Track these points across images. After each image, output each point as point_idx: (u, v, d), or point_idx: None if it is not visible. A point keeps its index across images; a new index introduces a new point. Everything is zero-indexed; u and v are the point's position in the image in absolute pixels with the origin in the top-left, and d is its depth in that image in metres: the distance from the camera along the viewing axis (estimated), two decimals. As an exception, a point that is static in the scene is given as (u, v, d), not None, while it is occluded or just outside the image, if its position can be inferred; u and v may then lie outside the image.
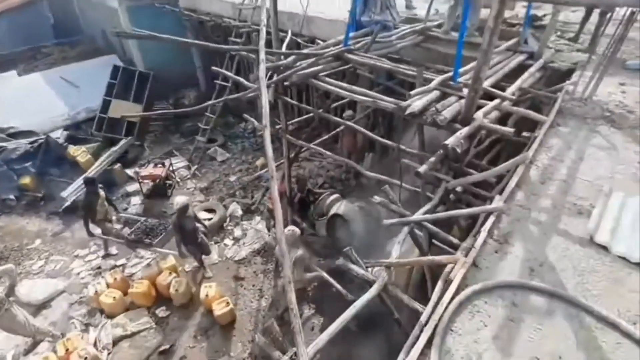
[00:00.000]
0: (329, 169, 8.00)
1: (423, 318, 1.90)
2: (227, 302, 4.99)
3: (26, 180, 7.41)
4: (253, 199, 7.31)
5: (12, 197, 7.32)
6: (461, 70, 3.68)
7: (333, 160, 7.03)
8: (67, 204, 6.99)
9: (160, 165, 7.54)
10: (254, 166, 8.37)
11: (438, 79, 3.51)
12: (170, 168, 7.68)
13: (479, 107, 3.31)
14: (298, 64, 4.15)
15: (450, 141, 2.70)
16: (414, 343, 1.74)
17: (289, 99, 4.96)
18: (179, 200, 4.98)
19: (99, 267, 5.90)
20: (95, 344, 4.72)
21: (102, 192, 5.65)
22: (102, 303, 4.99)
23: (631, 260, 2.14)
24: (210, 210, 6.90)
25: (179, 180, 7.86)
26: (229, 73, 5.43)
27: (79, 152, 7.95)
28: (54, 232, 6.73)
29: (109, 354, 4.65)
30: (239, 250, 6.21)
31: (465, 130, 2.87)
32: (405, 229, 2.68)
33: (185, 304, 5.27)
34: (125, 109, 8.63)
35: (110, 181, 7.65)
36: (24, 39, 12.20)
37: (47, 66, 10.44)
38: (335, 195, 6.05)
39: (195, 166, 8.33)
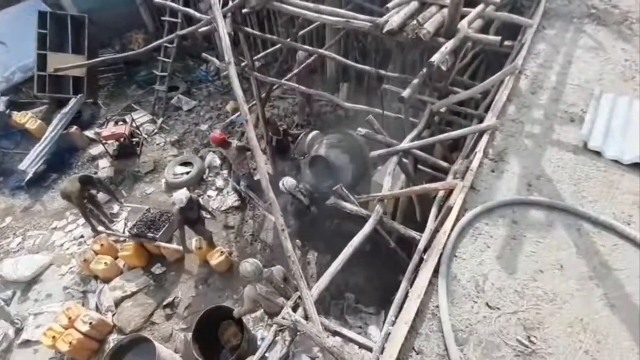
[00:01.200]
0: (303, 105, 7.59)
1: (421, 245, 1.87)
2: (222, 252, 5.01)
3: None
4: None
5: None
6: (441, -27, 3.24)
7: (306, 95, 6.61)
8: (28, 176, 6.45)
9: (121, 123, 6.90)
10: (225, 111, 7.84)
11: (417, -15, 3.07)
12: (133, 124, 7.07)
13: (462, 17, 2.98)
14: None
15: (435, 58, 2.43)
16: (414, 269, 1.72)
17: (250, 30, 4.36)
18: (180, 196, 4.40)
19: (82, 236, 5.70)
20: (97, 308, 4.75)
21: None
22: (95, 270, 4.91)
23: (623, 162, 2.13)
24: (186, 164, 6.57)
25: (145, 136, 7.30)
26: (173, 4, 4.68)
27: (26, 119, 7.11)
28: (23, 207, 6.31)
29: (113, 314, 4.72)
30: (224, 199, 6.09)
31: (450, 44, 2.59)
32: (394, 159, 2.55)
33: (179, 258, 5.27)
34: (64, 61, 7.50)
35: (70, 146, 7.06)
36: None
37: (-44, 19, 8.75)
38: (314, 132, 5.81)
39: (161, 119, 7.70)
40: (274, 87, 5.00)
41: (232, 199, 6.03)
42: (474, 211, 1.82)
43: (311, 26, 5.02)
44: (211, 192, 6.25)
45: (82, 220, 5.88)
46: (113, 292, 4.86)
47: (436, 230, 1.77)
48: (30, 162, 6.52)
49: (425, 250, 1.71)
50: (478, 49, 3.67)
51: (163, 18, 7.49)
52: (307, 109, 6.86)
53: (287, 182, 4.37)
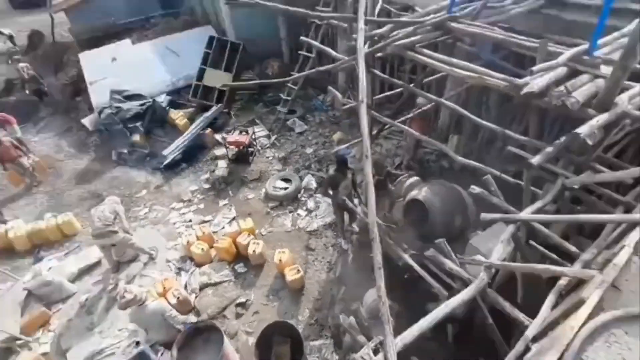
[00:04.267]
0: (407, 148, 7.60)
1: (529, 332, 1.66)
2: (298, 270, 5.22)
3: (136, 137, 8.53)
4: (328, 172, 7.35)
5: (125, 151, 8.53)
6: (600, 41, 3.00)
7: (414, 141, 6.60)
8: (167, 161, 7.91)
9: (244, 133, 7.98)
10: (330, 140, 8.37)
11: (569, 52, 2.90)
12: (253, 136, 8.09)
13: (622, 91, 2.67)
14: (394, 33, 3.84)
15: (582, 130, 2.22)
16: (518, 359, 1.53)
17: (379, 72, 4.67)
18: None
19: (190, 221, 6.63)
20: (185, 287, 5.39)
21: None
22: (193, 252, 5.63)
23: None
24: (286, 180, 7.16)
25: (259, 148, 8.26)
26: (316, 43, 5.35)
27: (177, 116, 8.83)
28: (156, 185, 7.70)
29: (196, 297, 5.28)
30: (311, 221, 6.38)
31: (603, 118, 2.33)
32: (511, 228, 2.35)
33: (260, 264, 5.67)
34: (217, 77, 9.21)
35: (201, 144, 8.43)
36: (137, 11, 13.60)
37: (155, 35, 11.56)
38: (415, 178, 5.73)
39: (275, 136, 8.64)
40: (386, 126, 5.17)
41: (318, 222, 6.29)
42: (613, 313, 1.53)
43: (436, 75, 5.11)
44: (301, 212, 6.63)
45: (194, 207, 6.89)
46: (201, 276, 5.46)
47: (555, 322, 1.55)
48: (172, 150, 8.00)
49: (534, 339, 1.51)
50: (633, 128, 3.20)
51: (300, 52, 8.56)
52: (412, 154, 6.83)
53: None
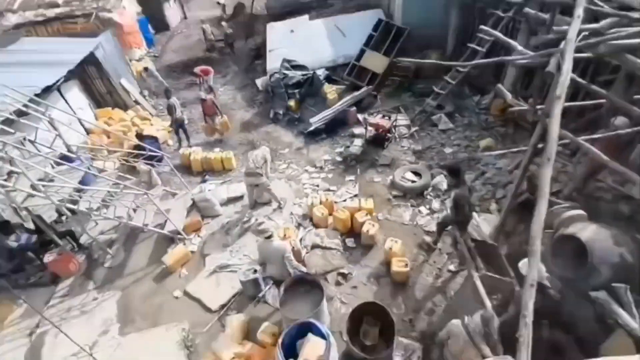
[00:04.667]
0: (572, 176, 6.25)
1: None
2: (406, 264, 5.09)
3: (292, 102, 9.61)
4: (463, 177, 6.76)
5: (280, 112, 9.75)
6: None
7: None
8: (311, 128, 8.69)
9: (386, 118, 8.01)
10: (475, 145, 7.60)
11: None
12: (394, 123, 8.04)
13: None
14: (613, 31, 3.10)
15: None
16: None
17: (577, 77, 3.89)
18: None
19: (317, 186, 7.20)
20: (300, 241, 5.96)
21: None
22: (314, 214, 6.14)
23: None
24: (416, 173, 6.92)
25: (397, 136, 8.17)
26: (497, 33, 4.79)
27: (330, 90, 9.50)
28: (297, 147, 8.60)
29: (306, 252, 5.79)
30: (431, 222, 6.05)
31: None
32: None
33: (369, 245, 5.76)
34: (375, 59, 9.42)
35: (343, 120, 8.89)
36: (318, -9, 14.90)
37: (329, 14, 12.53)
38: (577, 212, 4.69)
39: (416, 127, 8.37)
40: (563, 141, 4.34)
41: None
42: None
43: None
44: (423, 209, 6.35)
45: (323, 175, 7.44)
46: (315, 237, 5.93)
47: None
48: (317, 120, 8.71)
49: None
50: None
51: (470, 44, 7.89)
52: (581, 184, 5.59)
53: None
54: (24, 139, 5.61)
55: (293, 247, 5.49)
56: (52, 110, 6.76)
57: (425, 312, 4.76)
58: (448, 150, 7.64)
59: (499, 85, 4.67)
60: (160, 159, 7.73)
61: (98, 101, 9.92)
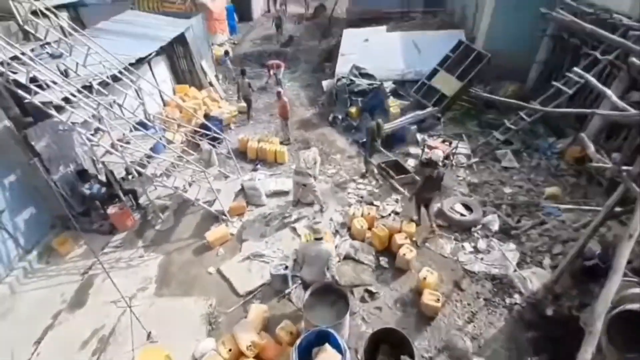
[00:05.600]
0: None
1: None
2: (438, 298, 4.88)
3: (353, 109, 9.65)
4: (518, 223, 6.31)
5: (340, 117, 9.84)
6: None
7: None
8: (364, 139, 8.64)
9: (446, 143, 7.73)
10: (539, 191, 7.05)
11: None
12: (454, 150, 7.73)
13: None
14: None
15: None
16: None
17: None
18: None
19: (362, 197, 7.17)
20: (335, 248, 5.98)
21: None
22: (353, 225, 6.13)
23: None
24: (467, 207, 6.59)
25: (454, 163, 7.85)
26: (592, 79, 4.39)
27: (394, 104, 9.41)
28: (349, 154, 8.63)
29: (338, 261, 5.79)
30: (474, 262, 5.73)
31: None
32: None
33: (402, 270, 5.61)
34: (447, 81, 9.13)
35: (402, 137, 8.74)
36: (402, 3, 14.82)
37: (408, 28, 12.41)
38: (646, 290, 4.16)
39: (476, 159, 7.98)
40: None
41: (481, 267, 5.60)
42: None
43: None
44: (467, 245, 6.04)
45: (369, 187, 7.38)
46: (350, 248, 5.92)
47: None
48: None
49: None
50: None
51: (554, 82, 7.34)
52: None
53: None
54: (114, 101, 6.30)
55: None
56: (141, 80, 7.50)
57: (448, 356, 4.53)
58: (508, 190, 7.17)
59: (583, 135, 4.28)
60: (220, 141, 8.22)
61: (178, 77, 10.79)
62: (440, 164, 5.68)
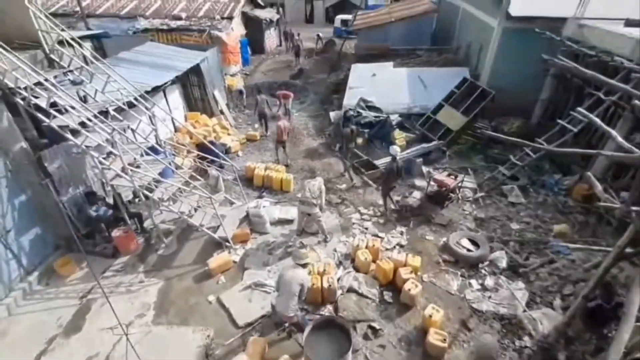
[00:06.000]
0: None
1: None
2: (445, 339, 4.69)
3: (360, 140, 9.79)
4: (527, 260, 6.17)
5: (338, 146, 9.94)
6: None
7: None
8: (372, 170, 8.72)
9: (452, 177, 7.74)
10: (547, 228, 6.94)
11: None
12: (460, 184, 7.73)
13: None
14: None
15: None
16: None
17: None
18: None
19: (367, 229, 7.10)
20: (338, 280, 5.86)
21: None
22: (357, 256, 6.03)
23: None
24: (473, 242, 6.48)
25: (460, 197, 7.82)
26: (596, 119, 4.44)
27: (400, 137, 9.54)
28: (354, 184, 8.63)
29: (341, 294, 5.66)
30: (481, 300, 5.55)
31: None
32: None
33: (407, 305, 5.44)
34: (451, 116, 9.31)
35: (407, 168, 8.77)
36: (408, 40, 15.46)
37: (414, 65, 12.85)
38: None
39: (482, 194, 7.95)
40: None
41: (489, 305, 5.41)
42: None
43: None
44: (474, 282, 5.87)
45: (374, 219, 7.33)
46: (353, 281, 5.78)
47: None
48: (381, 163, 8.73)
49: None
50: None
51: (559, 120, 7.44)
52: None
53: None
54: (128, 127, 6.49)
55: (330, 285, 5.42)
56: (155, 107, 7.77)
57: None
58: (515, 226, 7.07)
59: (589, 174, 4.27)
60: (222, 166, 8.24)
61: (191, 105, 11.16)
62: (398, 157, 6.99)
